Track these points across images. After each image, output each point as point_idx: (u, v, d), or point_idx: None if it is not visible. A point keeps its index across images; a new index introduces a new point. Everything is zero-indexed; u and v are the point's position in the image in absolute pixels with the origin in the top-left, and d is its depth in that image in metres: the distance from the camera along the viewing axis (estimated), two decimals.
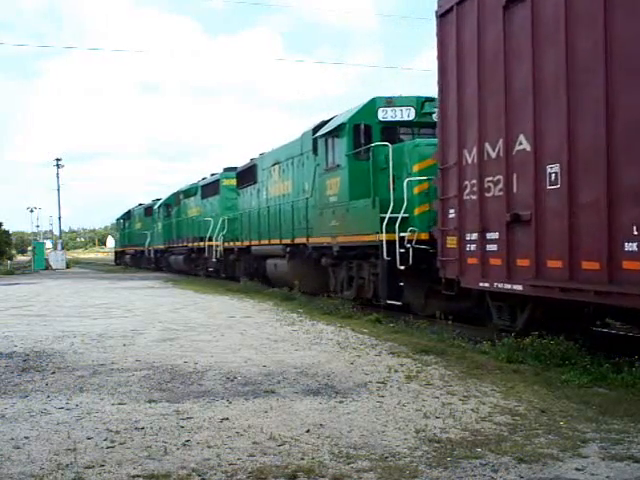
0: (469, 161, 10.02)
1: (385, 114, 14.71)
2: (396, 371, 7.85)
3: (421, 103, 14.57)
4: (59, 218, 66.78)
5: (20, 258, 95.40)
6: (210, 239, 28.53)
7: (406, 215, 12.75)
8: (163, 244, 40.39)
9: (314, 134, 17.15)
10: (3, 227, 69.69)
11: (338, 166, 15.34)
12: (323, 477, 4.40)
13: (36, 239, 77.56)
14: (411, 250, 12.37)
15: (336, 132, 15.45)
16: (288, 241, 19.19)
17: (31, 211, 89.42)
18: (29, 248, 77.05)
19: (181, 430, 5.49)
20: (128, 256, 55.60)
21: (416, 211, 12.86)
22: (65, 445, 5.11)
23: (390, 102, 14.73)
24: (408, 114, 14.69)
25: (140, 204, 52.82)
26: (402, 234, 12.53)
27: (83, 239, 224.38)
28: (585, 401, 6.35)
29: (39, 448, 5.06)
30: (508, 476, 4.40)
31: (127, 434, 5.40)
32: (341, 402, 6.40)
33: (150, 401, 6.50)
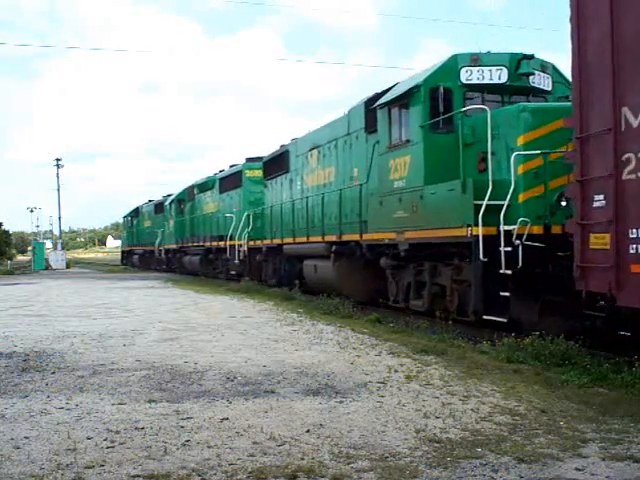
0: (634, 124, 7.04)
1: (470, 75, 11.81)
2: (396, 371, 7.85)
3: (516, 61, 11.77)
4: (59, 218, 66.69)
5: (20, 258, 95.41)
6: (232, 238, 25.56)
7: (501, 202, 9.98)
8: (175, 243, 37.16)
9: (368, 106, 14.38)
10: (3, 227, 69.67)
11: (408, 142, 12.36)
12: (323, 477, 4.40)
13: (36, 239, 77.54)
14: (521, 249, 9.50)
15: (405, 99, 12.47)
16: (333, 238, 16.30)
17: (31, 211, 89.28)
18: (29, 248, 77.15)
19: (181, 430, 5.49)
20: (136, 256, 52.10)
21: (521, 197, 10.00)
22: (65, 445, 5.11)
23: (476, 60, 11.86)
24: (499, 75, 11.80)
25: (150, 200, 49.22)
26: (508, 227, 9.74)
27: (83, 239, 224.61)
28: (585, 401, 6.36)
29: (39, 448, 5.05)
30: (508, 476, 4.40)
31: (127, 434, 5.40)
32: (341, 402, 6.40)
33: (150, 401, 6.49)
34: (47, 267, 51.95)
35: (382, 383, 7.22)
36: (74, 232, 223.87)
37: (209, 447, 5.04)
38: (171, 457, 4.81)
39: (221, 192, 29.21)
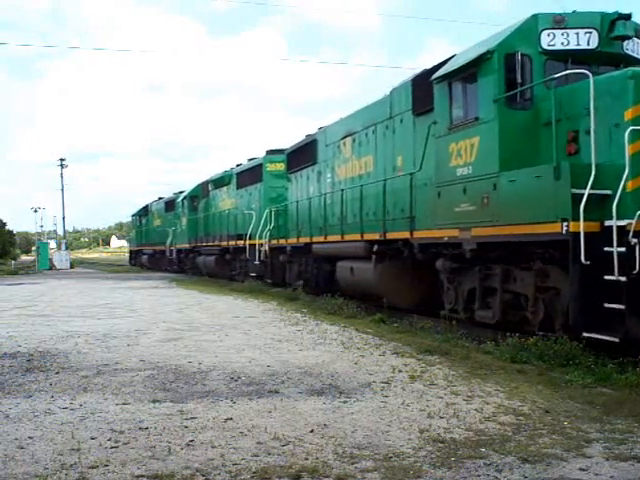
0: None
1: (552, 39, 9.88)
2: (400, 371, 7.85)
3: (609, 23, 9.87)
4: (63, 218, 66.50)
5: (24, 258, 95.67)
6: (251, 237, 23.71)
7: (608, 192, 8.16)
8: (188, 243, 35.04)
9: (418, 84, 12.54)
10: (7, 227, 69.90)
11: (476, 120, 10.40)
12: (327, 477, 4.40)
13: (40, 239, 77.67)
14: (638, 249, 7.66)
15: (472, 69, 10.49)
16: (375, 236, 14.18)
17: (35, 211, 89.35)
18: (33, 248, 77.30)
19: (185, 430, 5.50)
20: (145, 256, 49.58)
21: (630, 185, 8.09)
22: (69, 445, 5.11)
23: (560, 21, 9.92)
24: (588, 39, 9.92)
25: (160, 198, 46.66)
26: (621, 222, 7.92)
27: (87, 239, 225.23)
28: (589, 401, 6.35)
29: (43, 448, 5.06)
30: (512, 476, 4.39)
31: (131, 434, 5.40)
32: (345, 402, 6.40)
33: (154, 401, 6.50)
34: (51, 267, 52.01)
35: (386, 383, 7.22)
36: (78, 232, 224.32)
37: (213, 447, 5.04)
38: (175, 457, 4.81)
39: (239, 187, 27.21)
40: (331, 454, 4.86)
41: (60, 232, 72.31)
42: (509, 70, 9.82)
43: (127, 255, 72.21)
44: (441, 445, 5.05)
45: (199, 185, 34.32)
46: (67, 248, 60.34)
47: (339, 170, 16.85)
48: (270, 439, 5.23)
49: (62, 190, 64.11)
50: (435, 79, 11.55)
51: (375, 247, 14.20)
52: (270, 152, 24.19)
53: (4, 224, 74.18)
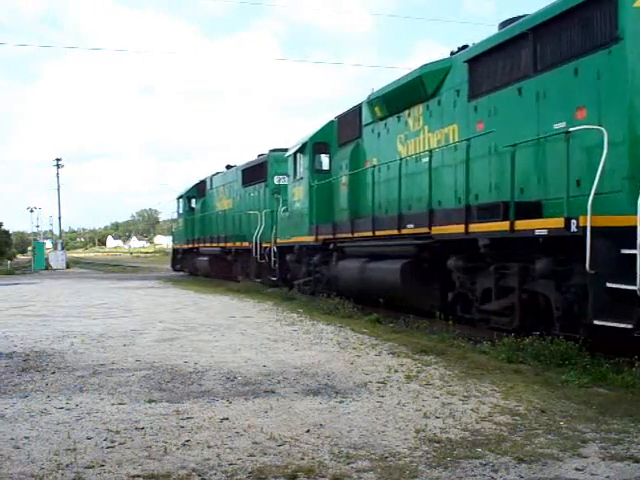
0: None
1: None
2: (396, 371, 7.85)
3: None
4: (59, 218, 66.51)
5: (20, 258, 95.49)
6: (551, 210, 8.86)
7: None
8: (312, 234, 17.45)
9: None
10: (3, 227, 69.69)
11: None
12: (323, 477, 4.40)
13: (36, 239, 77.55)
14: None
15: None
16: None
17: (31, 211, 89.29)
18: (29, 248, 77.18)
19: (181, 430, 5.49)
20: (205, 258, 30.41)
21: None
22: (65, 445, 5.10)
23: None
24: None
25: (228, 165, 30.01)
26: None
27: (83, 239, 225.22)
28: (585, 401, 6.36)
29: (39, 448, 5.05)
30: (508, 476, 4.40)
31: (127, 434, 5.39)
32: (341, 402, 6.40)
33: (150, 401, 6.49)
34: (47, 267, 51.90)
35: (382, 383, 7.22)
36: (74, 232, 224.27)
37: (209, 447, 5.04)
38: (171, 457, 4.81)
39: (473, 97, 11.13)
40: (327, 454, 4.85)
41: (56, 232, 72.31)
42: None
43: (168, 255, 53.72)
44: (437, 445, 5.05)
45: (329, 124, 17.91)
46: (63, 248, 60.24)
47: None
48: (266, 439, 5.23)
49: (58, 190, 64.12)
50: None
51: None
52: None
53: (0, 224, 74.04)
